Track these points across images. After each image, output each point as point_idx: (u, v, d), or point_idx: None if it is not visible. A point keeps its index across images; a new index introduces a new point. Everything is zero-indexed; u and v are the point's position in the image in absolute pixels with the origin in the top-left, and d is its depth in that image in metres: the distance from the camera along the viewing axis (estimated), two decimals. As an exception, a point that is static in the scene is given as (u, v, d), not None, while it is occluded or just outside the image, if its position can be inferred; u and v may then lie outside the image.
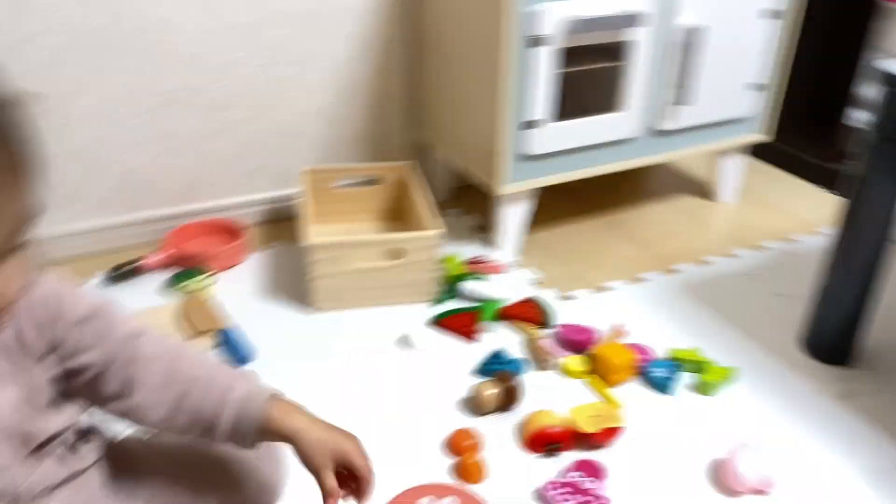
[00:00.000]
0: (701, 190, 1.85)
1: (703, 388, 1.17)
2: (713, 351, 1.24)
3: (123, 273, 1.41)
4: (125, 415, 0.70)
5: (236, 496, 0.84)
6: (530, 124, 1.40)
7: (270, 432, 0.71)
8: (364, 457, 0.74)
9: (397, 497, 0.94)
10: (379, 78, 1.66)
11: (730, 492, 0.99)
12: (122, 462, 0.78)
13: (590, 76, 1.48)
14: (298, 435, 0.71)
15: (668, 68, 1.51)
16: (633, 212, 1.74)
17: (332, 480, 0.71)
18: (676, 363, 1.20)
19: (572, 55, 1.42)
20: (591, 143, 1.49)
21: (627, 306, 1.37)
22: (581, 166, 1.52)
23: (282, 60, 1.54)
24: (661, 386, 1.16)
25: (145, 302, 1.36)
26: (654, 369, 1.18)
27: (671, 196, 1.83)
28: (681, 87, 1.53)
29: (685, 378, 1.19)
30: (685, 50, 1.50)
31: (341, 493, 0.72)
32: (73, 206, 1.49)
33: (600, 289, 1.44)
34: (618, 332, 1.28)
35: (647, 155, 1.59)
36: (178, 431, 0.72)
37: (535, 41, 1.33)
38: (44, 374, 0.65)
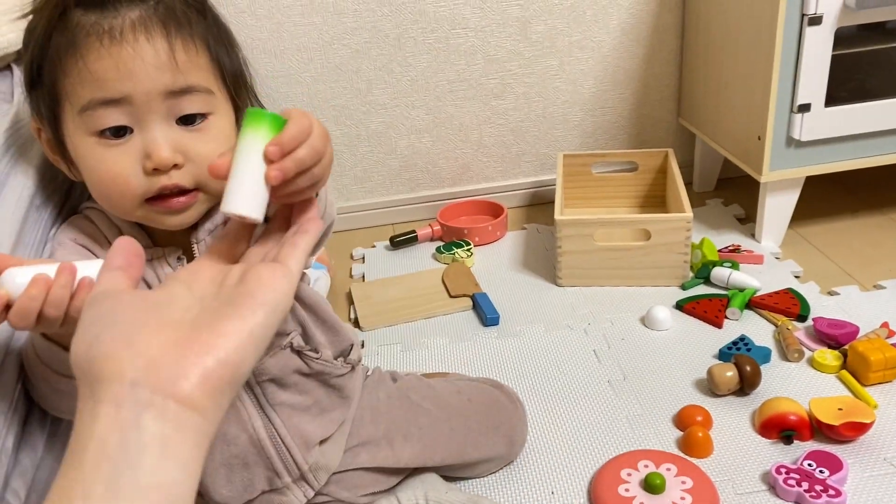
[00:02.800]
0: None
1: (983, 400, 1.03)
2: None
3: (402, 241, 1.61)
4: None
5: (503, 439, 0.96)
6: (801, 108, 1.33)
7: None
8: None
9: (616, 458, 0.99)
10: (644, 66, 1.69)
11: None
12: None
13: (872, 57, 1.37)
14: None
15: (976, 46, 1.34)
16: (926, 209, 1.56)
17: None
18: (951, 369, 1.07)
19: (853, 34, 1.33)
20: (870, 131, 1.38)
21: (901, 307, 1.25)
22: (857, 155, 1.40)
23: (549, 52, 1.64)
24: (928, 391, 1.06)
25: (417, 266, 1.54)
26: (923, 373, 1.07)
27: (979, 195, 1.60)
28: None
29: (962, 386, 1.07)
30: None
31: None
32: (364, 183, 1.74)
33: (871, 287, 1.32)
34: (883, 330, 1.17)
35: (944, 145, 1.42)
36: None
37: (811, 20, 1.27)
38: None
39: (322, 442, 0.83)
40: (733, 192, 1.69)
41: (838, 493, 0.89)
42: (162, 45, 0.65)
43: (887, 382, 1.09)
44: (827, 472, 0.92)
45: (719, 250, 1.43)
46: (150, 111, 0.65)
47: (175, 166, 0.67)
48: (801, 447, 0.99)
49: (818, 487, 0.90)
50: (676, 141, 1.76)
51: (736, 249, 1.45)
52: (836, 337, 1.16)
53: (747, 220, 1.58)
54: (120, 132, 0.66)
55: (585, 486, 0.96)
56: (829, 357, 1.13)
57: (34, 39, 0.67)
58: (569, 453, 1.02)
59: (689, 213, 1.33)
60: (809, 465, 0.94)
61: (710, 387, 1.10)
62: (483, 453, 0.95)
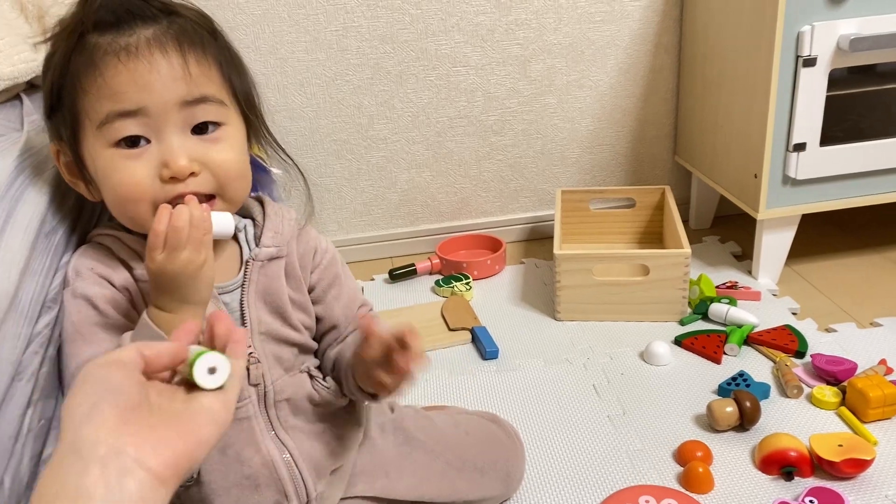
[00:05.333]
0: None
1: (982, 437, 1.04)
2: None
3: (401, 274, 1.62)
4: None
5: (499, 475, 0.95)
6: (797, 147, 1.36)
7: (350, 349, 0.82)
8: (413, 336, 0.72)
9: (617, 493, 0.98)
10: (641, 104, 1.71)
11: None
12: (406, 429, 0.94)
13: (866, 98, 1.40)
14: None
15: (967, 89, 1.37)
16: (920, 248, 1.58)
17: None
18: (950, 406, 1.08)
19: (846, 76, 1.36)
20: (865, 170, 1.40)
21: (898, 344, 1.26)
22: (852, 194, 1.43)
23: (548, 90, 1.67)
24: (927, 428, 1.06)
25: (417, 299, 1.54)
26: (921, 410, 1.08)
27: (972, 234, 1.62)
28: (982, 109, 1.37)
29: (960, 424, 1.07)
30: None
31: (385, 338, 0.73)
32: (364, 217, 1.75)
33: (867, 325, 1.33)
34: (881, 367, 1.18)
35: (936, 185, 1.44)
36: None
37: (805, 62, 1.30)
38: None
39: (333, 472, 0.83)
40: (729, 230, 1.70)
41: (840, 530, 0.89)
42: (176, 58, 0.68)
43: (886, 419, 1.09)
44: (829, 509, 0.92)
45: (717, 287, 1.44)
46: (166, 121, 0.68)
47: (192, 174, 0.69)
48: (802, 483, 0.98)
49: (820, 524, 0.90)
50: (673, 178, 1.78)
51: (733, 286, 1.46)
52: (834, 373, 1.17)
53: (744, 257, 1.59)
54: (137, 142, 0.68)
55: (586, 521, 0.95)
56: (829, 393, 1.14)
57: (53, 65, 0.70)
58: (569, 489, 1.01)
59: (687, 249, 1.35)
60: (811, 501, 0.93)
61: (709, 422, 1.10)
62: (479, 492, 0.94)
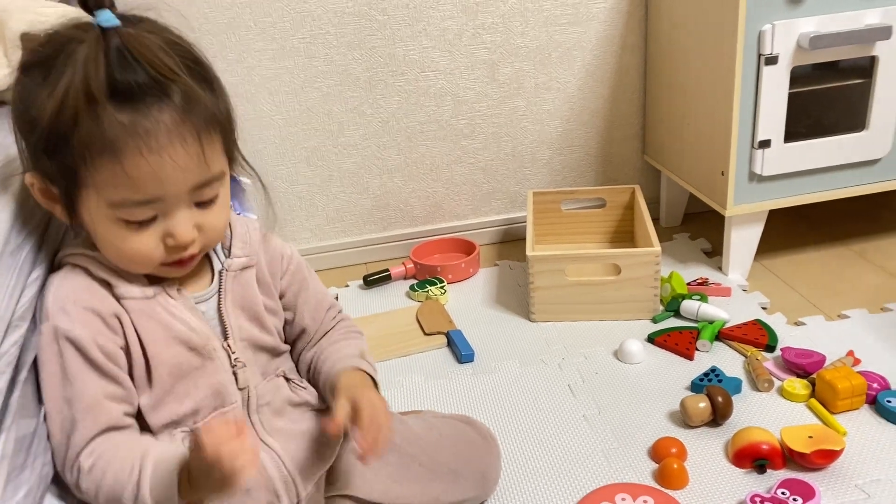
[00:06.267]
0: (974, 219, 1.66)
1: (947, 424, 1.06)
2: (965, 386, 1.12)
3: (375, 280, 1.62)
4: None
5: (474, 477, 0.96)
6: (762, 144, 1.38)
7: (333, 383, 0.83)
8: (372, 410, 0.77)
9: (594, 492, 0.99)
10: (609, 105, 1.73)
11: (967, 533, 0.90)
12: None
13: (828, 94, 1.42)
14: (340, 384, 0.81)
15: (924, 84, 1.40)
16: (885, 240, 1.61)
17: (341, 408, 0.77)
18: (916, 395, 1.10)
19: (808, 73, 1.39)
20: (829, 165, 1.43)
21: (864, 335, 1.28)
22: (818, 189, 1.45)
23: (516, 93, 1.68)
24: (894, 416, 1.08)
25: (391, 304, 1.55)
26: (889, 399, 1.10)
27: (935, 225, 1.66)
28: (939, 103, 1.40)
29: (926, 412, 1.09)
30: (945, 63, 1.38)
31: (345, 423, 0.77)
32: (336, 223, 1.74)
33: (835, 317, 1.36)
34: (849, 358, 1.20)
35: (897, 178, 1.48)
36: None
37: (767, 60, 1.32)
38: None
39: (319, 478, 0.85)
40: (700, 227, 1.73)
41: (812, 521, 0.91)
42: (194, 147, 0.69)
43: (855, 410, 1.11)
44: (800, 500, 0.93)
45: (688, 283, 1.46)
46: (178, 204, 0.70)
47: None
48: (774, 476, 1.00)
49: (792, 515, 0.91)
50: (643, 177, 1.80)
51: (704, 282, 1.48)
52: (803, 366, 1.19)
53: (714, 253, 1.61)
54: (146, 221, 0.70)
55: (564, 521, 0.96)
56: (798, 386, 1.16)
57: (54, 109, 0.65)
58: (546, 489, 1.02)
59: (657, 248, 1.36)
60: (783, 493, 0.95)
61: (683, 418, 1.11)
62: (454, 495, 0.94)
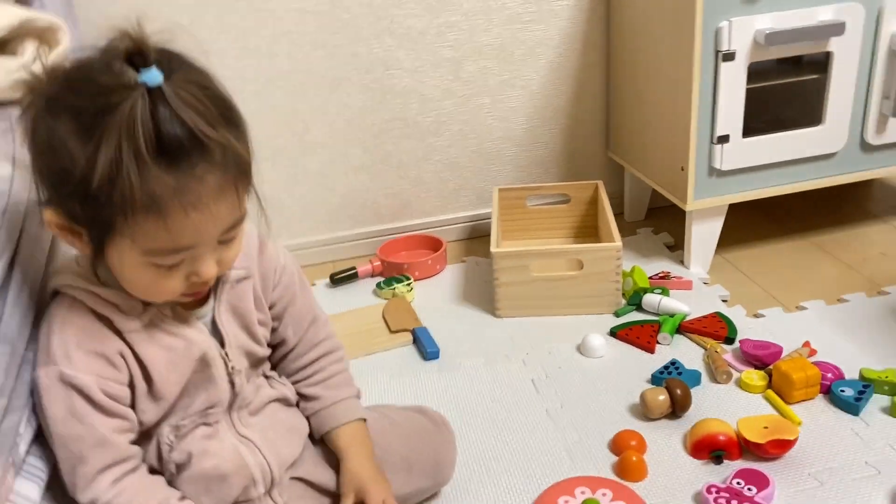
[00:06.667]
0: (928, 210, 1.69)
1: (897, 412, 1.09)
2: (916, 375, 1.15)
3: (342, 278, 1.62)
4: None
5: (427, 466, 0.97)
6: (720, 140, 1.40)
7: (332, 440, 0.91)
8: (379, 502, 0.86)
9: (554, 486, 1.00)
10: (573, 102, 1.75)
11: (914, 518, 0.92)
12: None
13: (785, 89, 1.45)
14: (345, 457, 0.89)
15: (877, 80, 1.43)
16: (842, 232, 1.64)
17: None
18: (868, 383, 1.13)
19: (766, 69, 1.41)
20: (787, 159, 1.45)
21: (821, 326, 1.31)
22: (776, 183, 1.48)
23: (481, 90, 1.69)
24: (848, 405, 1.10)
25: (358, 302, 1.55)
26: (842, 388, 1.12)
27: (891, 216, 1.69)
28: (891, 98, 1.43)
29: (878, 400, 1.12)
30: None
31: None
32: (303, 222, 1.74)
33: (793, 308, 1.38)
34: (805, 349, 1.23)
35: (854, 171, 1.50)
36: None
37: (725, 56, 1.34)
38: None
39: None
40: (662, 221, 1.75)
41: (765, 510, 0.93)
42: (232, 198, 0.70)
43: (810, 399, 1.13)
44: (755, 490, 0.96)
45: (650, 277, 1.48)
46: (207, 247, 0.72)
47: None
48: (731, 466, 1.02)
49: (746, 504, 0.93)
50: (606, 173, 1.82)
51: (666, 276, 1.50)
52: (761, 357, 1.21)
53: (676, 247, 1.63)
54: (175, 265, 0.71)
55: (525, 515, 0.98)
56: (756, 377, 1.18)
57: (98, 166, 0.64)
58: (508, 484, 1.03)
59: (618, 243, 1.38)
60: (738, 483, 0.97)
61: (643, 411, 1.13)
62: (407, 486, 0.94)
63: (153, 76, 0.63)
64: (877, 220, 1.68)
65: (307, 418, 0.93)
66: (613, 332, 1.34)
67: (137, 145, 0.63)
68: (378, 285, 1.58)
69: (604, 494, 0.97)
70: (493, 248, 1.41)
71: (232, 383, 0.83)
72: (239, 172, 0.70)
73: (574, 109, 1.75)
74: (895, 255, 1.54)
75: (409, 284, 1.56)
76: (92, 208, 0.67)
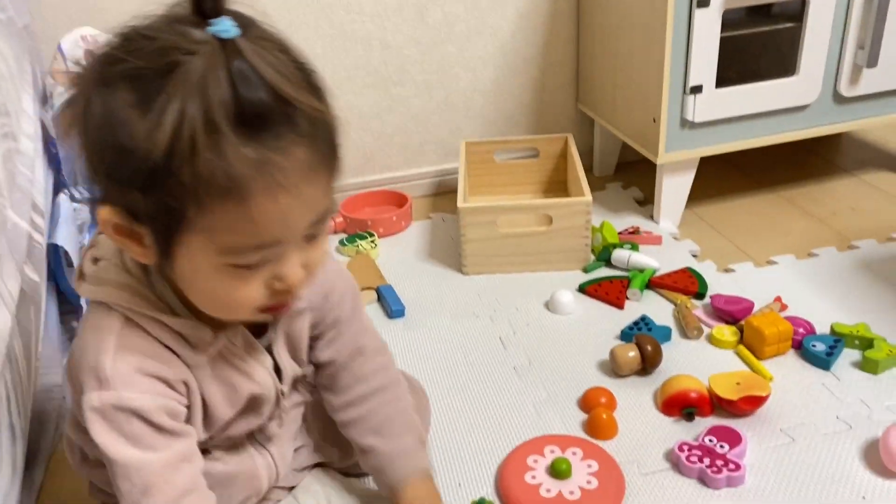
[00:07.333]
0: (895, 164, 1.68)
1: (868, 366, 1.07)
2: (885, 329, 1.13)
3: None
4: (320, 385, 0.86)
5: None
6: (693, 90, 1.36)
7: (395, 493, 0.81)
8: None
9: (522, 445, 0.98)
10: (542, 52, 1.69)
11: (886, 472, 0.91)
12: None
13: (759, 39, 1.41)
14: None
15: (852, 29, 1.39)
16: (813, 186, 1.62)
17: None
18: (839, 338, 1.11)
19: (740, 17, 1.37)
20: (760, 111, 1.42)
21: (792, 281, 1.29)
22: (748, 135, 1.44)
23: (447, 38, 1.62)
24: (819, 360, 1.09)
25: (318, 261, 1.49)
26: (813, 343, 1.11)
27: (860, 170, 1.68)
28: (866, 49, 1.40)
29: (849, 355, 1.11)
30: (873, 8, 1.37)
31: None
32: (263, 176, 1.67)
33: (764, 263, 1.36)
34: (776, 304, 1.21)
35: (826, 124, 1.48)
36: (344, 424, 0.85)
37: (699, 2, 1.29)
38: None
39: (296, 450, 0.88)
40: (632, 176, 1.71)
41: (738, 467, 0.91)
42: (324, 179, 0.58)
43: (781, 355, 1.12)
44: (727, 447, 0.94)
45: (619, 233, 1.45)
46: (293, 244, 0.60)
47: None
48: (703, 423, 1.00)
49: (719, 462, 0.91)
50: (576, 126, 1.77)
51: (635, 231, 1.46)
52: (732, 313, 1.19)
53: (646, 202, 1.60)
54: (254, 265, 0.59)
55: (493, 475, 0.94)
56: (727, 333, 1.16)
57: (163, 140, 0.52)
58: (476, 443, 1.00)
59: (588, 197, 1.34)
60: (710, 440, 0.95)
61: (613, 368, 1.10)
62: None
63: (226, 27, 0.52)
64: (845, 175, 1.66)
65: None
66: (582, 289, 1.31)
67: (210, 110, 0.51)
68: (341, 242, 1.52)
69: (574, 453, 0.94)
70: (459, 204, 1.36)
71: (278, 412, 0.80)
72: (329, 149, 0.58)
73: (543, 60, 1.70)
74: (864, 209, 1.53)
75: (373, 241, 1.50)
76: (156, 196, 0.54)
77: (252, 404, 0.75)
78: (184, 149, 0.51)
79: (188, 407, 0.69)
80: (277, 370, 0.76)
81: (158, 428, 0.65)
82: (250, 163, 0.53)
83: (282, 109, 0.53)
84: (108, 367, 0.62)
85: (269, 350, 0.75)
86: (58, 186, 1.16)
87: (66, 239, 1.09)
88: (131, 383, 0.63)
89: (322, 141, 0.57)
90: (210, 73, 0.51)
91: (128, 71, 0.53)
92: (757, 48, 1.42)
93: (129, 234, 0.59)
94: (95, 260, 0.68)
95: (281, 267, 0.60)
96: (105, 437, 0.63)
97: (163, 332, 0.65)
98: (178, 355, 0.66)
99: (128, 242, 0.60)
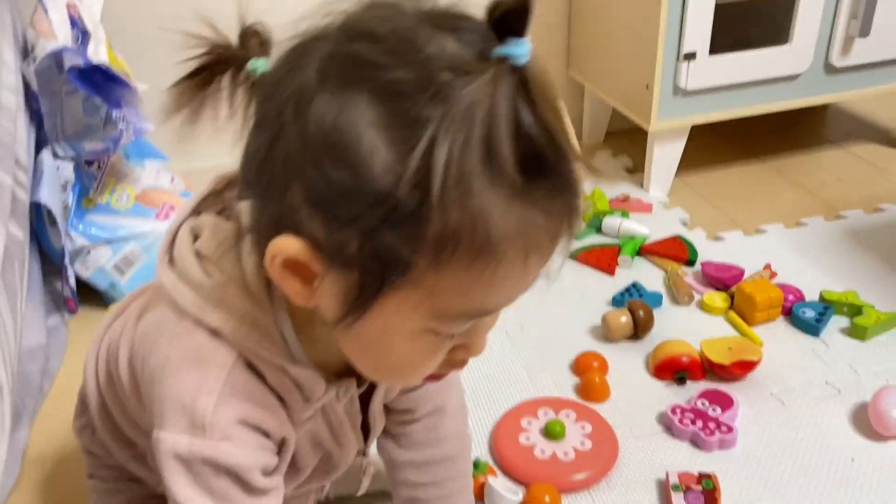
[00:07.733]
0: (884, 135, 1.69)
1: (857, 332, 1.09)
2: (873, 297, 1.14)
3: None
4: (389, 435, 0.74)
5: None
6: (687, 56, 1.35)
7: None
8: None
9: (516, 407, 0.97)
10: (533, 18, 1.66)
11: (874, 436, 0.92)
12: None
13: (754, 5, 1.40)
14: None
15: (846, -3, 1.39)
16: (802, 156, 1.63)
17: None
18: (828, 305, 1.12)
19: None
20: (751, 80, 1.41)
21: (781, 249, 1.30)
22: (740, 104, 1.44)
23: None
24: (808, 327, 1.10)
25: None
26: (803, 309, 1.11)
27: (848, 140, 1.68)
28: (859, 18, 1.40)
29: (837, 322, 1.12)
30: (867, -24, 1.37)
31: None
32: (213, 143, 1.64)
33: (753, 232, 1.37)
34: (766, 272, 1.22)
35: (817, 94, 1.48)
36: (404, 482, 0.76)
37: (694, -32, 1.28)
38: None
39: None
40: (622, 144, 1.70)
41: (730, 430, 0.92)
42: (557, 247, 0.48)
43: (771, 321, 1.12)
44: (719, 410, 0.94)
45: (610, 200, 1.44)
46: (499, 312, 0.51)
47: None
48: (694, 387, 1.00)
49: (711, 425, 0.92)
50: (566, 93, 1.75)
51: (626, 199, 1.46)
52: (723, 280, 1.19)
53: (636, 170, 1.60)
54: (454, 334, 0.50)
55: (487, 437, 0.94)
56: (718, 299, 1.16)
57: (419, 173, 0.39)
58: (469, 406, 0.98)
59: (578, 164, 1.33)
60: (702, 403, 0.95)
61: (604, 333, 1.10)
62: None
63: (524, 52, 0.42)
64: (832, 146, 1.67)
65: None
66: (573, 255, 1.31)
67: (494, 150, 0.40)
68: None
69: (567, 415, 0.95)
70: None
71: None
72: (577, 212, 0.47)
73: (534, 25, 1.67)
74: (851, 179, 1.53)
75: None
76: (384, 241, 0.42)
77: (326, 464, 0.65)
78: (443, 192, 0.40)
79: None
80: (364, 427, 0.66)
81: (249, 487, 0.54)
82: (518, 219, 0.42)
83: (556, 160, 0.43)
84: (208, 414, 0.51)
85: (365, 403, 0.65)
86: (40, 143, 1.12)
87: (50, 197, 1.07)
88: (231, 435, 0.52)
89: (575, 198, 0.46)
90: (494, 105, 0.40)
91: (381, 80, 0.41)
92: (751, 15, 1.41)
93: (299, 271, 0.46)
94: (199, 255, 0.54)
95: (475, 338, 0.51)
96: (186, 491, 0.52)
97: (280, 380, 0.54)
98: (285, 406, 0.55)
99: (289, 279, 0.46)
